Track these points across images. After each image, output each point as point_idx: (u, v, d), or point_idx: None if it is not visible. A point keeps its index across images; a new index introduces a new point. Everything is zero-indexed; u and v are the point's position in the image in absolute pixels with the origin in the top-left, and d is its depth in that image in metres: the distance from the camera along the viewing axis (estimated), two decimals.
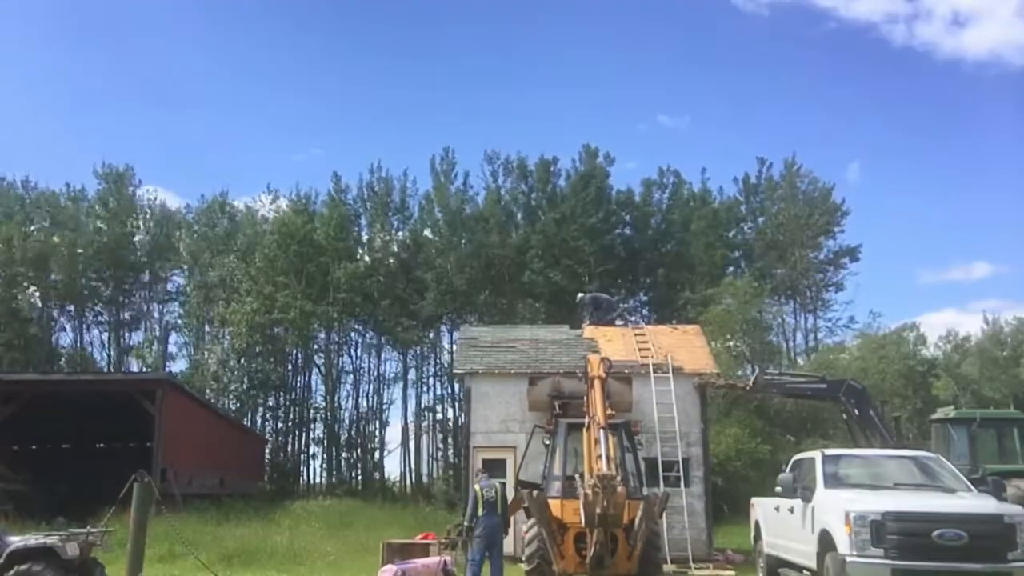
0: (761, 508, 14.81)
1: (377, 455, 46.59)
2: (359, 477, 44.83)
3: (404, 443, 47.28)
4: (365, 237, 48.53)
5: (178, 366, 47.20)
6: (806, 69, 76.95)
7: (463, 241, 45.49)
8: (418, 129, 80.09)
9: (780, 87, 77.05)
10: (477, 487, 13.14)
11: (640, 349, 20.38)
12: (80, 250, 46.61)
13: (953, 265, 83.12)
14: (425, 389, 48.86)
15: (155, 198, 52.17)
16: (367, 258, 46.86)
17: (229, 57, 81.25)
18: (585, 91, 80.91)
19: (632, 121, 79.74)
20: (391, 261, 46.77)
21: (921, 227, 75.53)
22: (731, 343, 34.36)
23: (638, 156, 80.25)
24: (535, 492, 12.86)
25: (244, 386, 43.01)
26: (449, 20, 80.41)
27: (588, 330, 22.61)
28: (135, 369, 45.69)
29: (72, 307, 49.07)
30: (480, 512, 12.74)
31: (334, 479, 43.90)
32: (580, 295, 26.59)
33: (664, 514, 13.68)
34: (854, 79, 77.65)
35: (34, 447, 32.84)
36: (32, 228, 48.27)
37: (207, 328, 47.47)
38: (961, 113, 72.92)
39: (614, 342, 21.09)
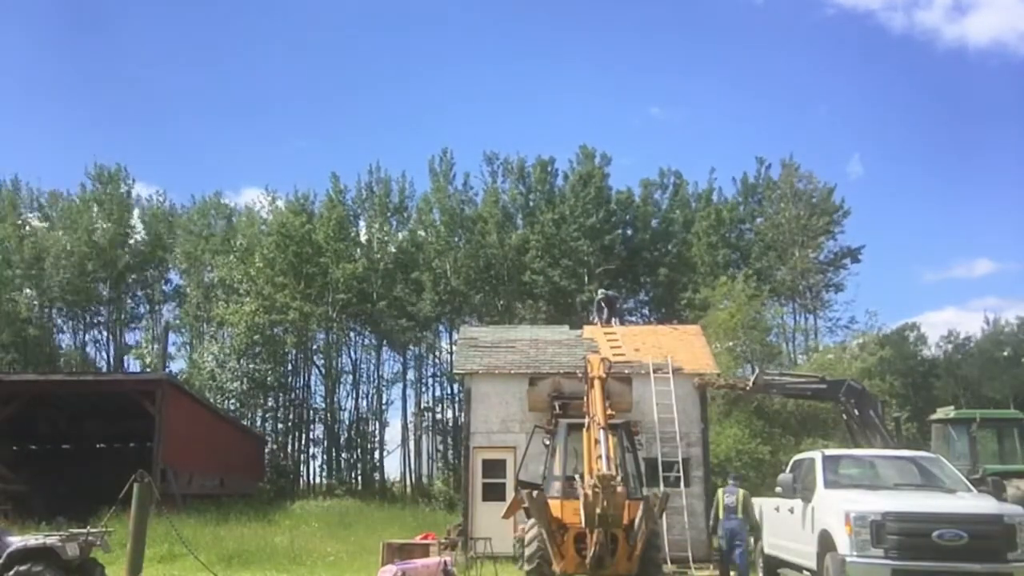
0: (761, 508, 14.82)
1: (377, 455, 46.63)
2: (359, 477, 44.84)
3: (404, 443, 47.41)
4: (364, 238, 48.58)
5: (177, 366, 47.34)
6: (803, 57, 76.50)
7: (462, 241, 45.51)
8: (410, 126, 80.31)
9: (777, 75, 76.81)
10: (720, 492, 14.89)
11: (611, 348, 20.33)
12: (78, 250, 46.63)
13: (955, 263, 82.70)
14: (424, 389, 49.01)
15: (155, 198, 52.45)
16: (365, 259, 46.92)
17: (224, 54, 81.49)
18: (580, 86, 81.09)
19: (626, 115, 79.68)
20: (390, 264, 46.71)
21: (922, 223, 75.64)
22: (731, 344, 34.31)
23: (633, 151, 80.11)
24: (535, 492, 12.83)
25: (243, 386, 43.04)
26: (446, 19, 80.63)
27: (588, 330, 22.61)
28: (135, 369, 45.72)
29: (71, 308, 49.09)
30: (720, 516, 14.58)
31: (334, 479, 43.92)
32: (601, 292, 26.63)
33: (664, 514, 13.66)
34: (853, 68, 77.37)
35: (34, 447, 32.84)
36: (28, 229, 48.37)
37: (205, 328, 47.53)
38: (963, 104, 72.66)
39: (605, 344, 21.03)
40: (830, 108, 75.87)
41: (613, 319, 24.07)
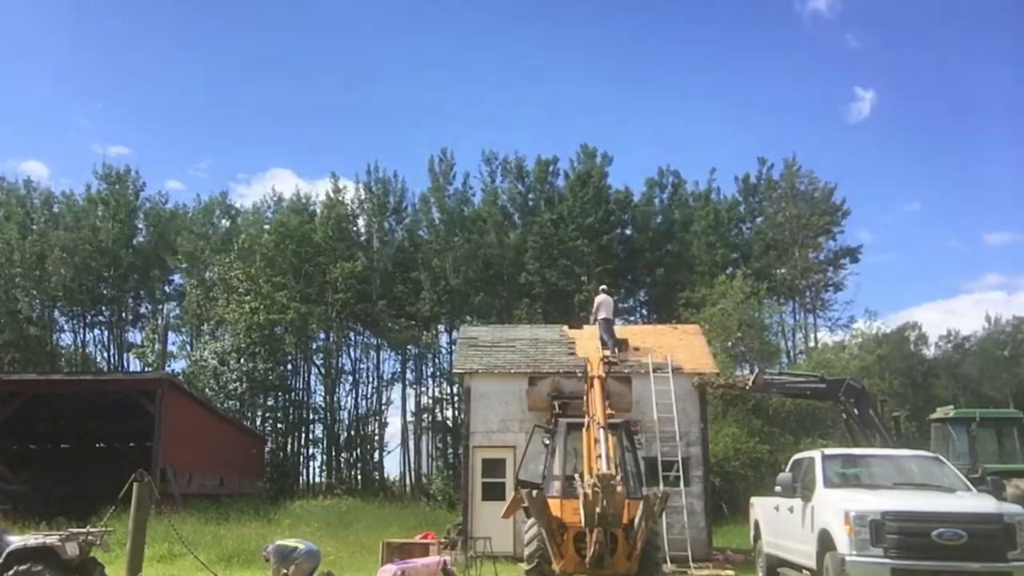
0: (760, 508, 14.83)
1: (376, 455, 46.65)
2: (359, 477, 44.84)
3: (404, 443, 47.41)
4: (364, 237, 48.55)
5: (178, 365, 47.30)
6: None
7: (461, 241, 45.50)
8: (411, 125, 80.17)
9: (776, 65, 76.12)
10: None
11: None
12: (81, 249, 46.59)
13: (957, 253, 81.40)
14: (424, 389, 49.02)
15: (158, 199, 52.44)
16: (364, 259, 46.91)
17: (225, 53, 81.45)
18: (579, 84, 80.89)
19: (626, 113, 79.43)
20: (389, 264, 46.65)
21: (924, 211, 74.87)
22: (730, 343, 34.34)
23: (633, 149, 79.88)
24: (535, 492, 12.82)
25: (243, 386, 43.03)
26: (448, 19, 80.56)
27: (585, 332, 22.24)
28: (136, 368, 45.68)
29: (72, 307, 49.06)
30: None
31: (334, 479, 43.93)
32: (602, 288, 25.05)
33: (664, 514, 13.65)
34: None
35: (34, 447, 32.84)
36: (32, 228, 48.34)
37: (206, 327, 47.54)
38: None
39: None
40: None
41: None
